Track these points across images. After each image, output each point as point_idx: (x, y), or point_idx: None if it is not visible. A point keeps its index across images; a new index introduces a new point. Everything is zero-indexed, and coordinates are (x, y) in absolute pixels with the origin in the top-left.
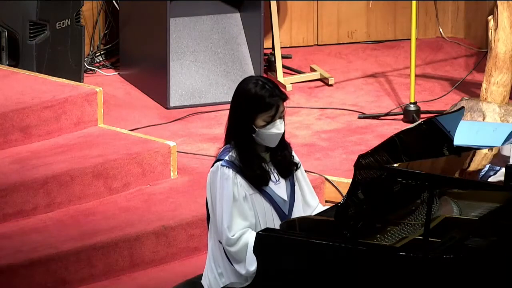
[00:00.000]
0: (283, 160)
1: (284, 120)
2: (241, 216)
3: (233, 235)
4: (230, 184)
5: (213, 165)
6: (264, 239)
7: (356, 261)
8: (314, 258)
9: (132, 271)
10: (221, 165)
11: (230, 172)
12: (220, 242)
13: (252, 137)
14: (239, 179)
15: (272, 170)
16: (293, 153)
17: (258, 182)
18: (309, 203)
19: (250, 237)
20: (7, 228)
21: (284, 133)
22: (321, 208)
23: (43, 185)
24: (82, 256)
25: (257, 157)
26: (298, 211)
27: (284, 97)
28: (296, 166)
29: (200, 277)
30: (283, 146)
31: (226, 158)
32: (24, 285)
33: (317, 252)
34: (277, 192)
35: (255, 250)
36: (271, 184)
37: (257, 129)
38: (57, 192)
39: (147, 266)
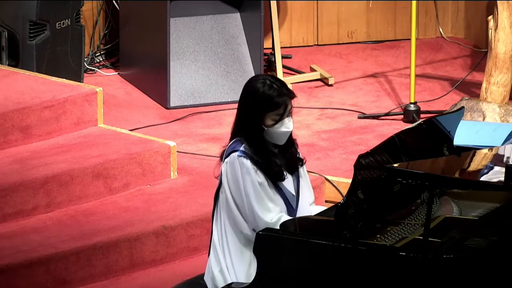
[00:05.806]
0: (291, 157)
1: (292, 118)
2: (271, 200)
3: (272, 220)
4: (252, 173)
5: (227, 156)
6: (264, 239)
7: (356, 261)
8: (314, 258)
9: (132, 271)
10: (238, 155)
11: (248, 162)
12: (254, 230)
13: (263, 135)
14: (257, 170)
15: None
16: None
17: (275, 178)
18: (307, 199)
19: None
20: (7, 228)
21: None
22: (315, 207)
23: (43, 185)
24: (82, 256)
25: (272, 154)
26: (303, 206)
27: (292, 96)
28: (301, 162)
29: (200, 277)
30: (291, 143)
31: (241, 148)
32: (24, 285)
33: (317, 252)
34: (287, 186)
35: (255, 250)
36: None
37: (266, 128)
38: (57, 192)
39: (147, 266)
